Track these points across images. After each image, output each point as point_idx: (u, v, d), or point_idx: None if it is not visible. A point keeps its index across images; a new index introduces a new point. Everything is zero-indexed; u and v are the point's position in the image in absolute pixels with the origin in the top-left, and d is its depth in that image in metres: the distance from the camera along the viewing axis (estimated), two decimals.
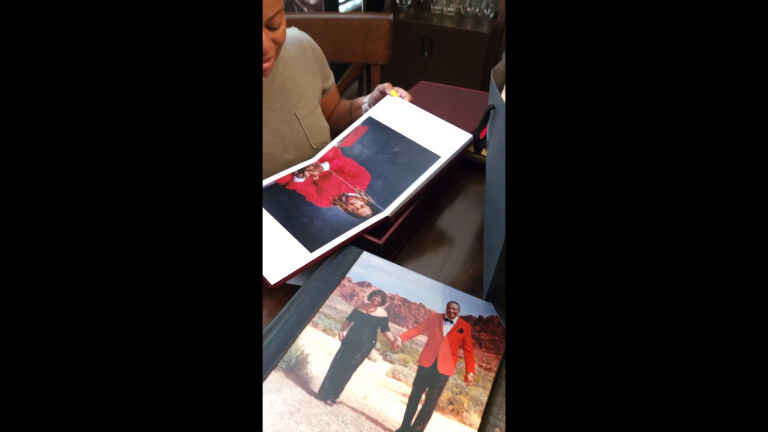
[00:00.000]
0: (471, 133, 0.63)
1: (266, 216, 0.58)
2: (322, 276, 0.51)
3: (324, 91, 0.84)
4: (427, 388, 0.41)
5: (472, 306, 0.49)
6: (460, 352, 0.44)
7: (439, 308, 0.49)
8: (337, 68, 1.04)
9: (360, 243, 0.56)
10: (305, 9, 1.46)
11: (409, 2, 1.85)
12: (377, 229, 0.56)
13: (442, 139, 0.63)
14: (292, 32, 0.78)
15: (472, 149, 0.77)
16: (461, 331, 0.46)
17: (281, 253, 0.53)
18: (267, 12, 0.57)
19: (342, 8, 1.81)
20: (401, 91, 0.73)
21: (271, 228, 0.56)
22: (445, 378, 0.42)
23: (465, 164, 0.78)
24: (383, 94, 0.74)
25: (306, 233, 0.55)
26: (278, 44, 0.63)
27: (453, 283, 0.57)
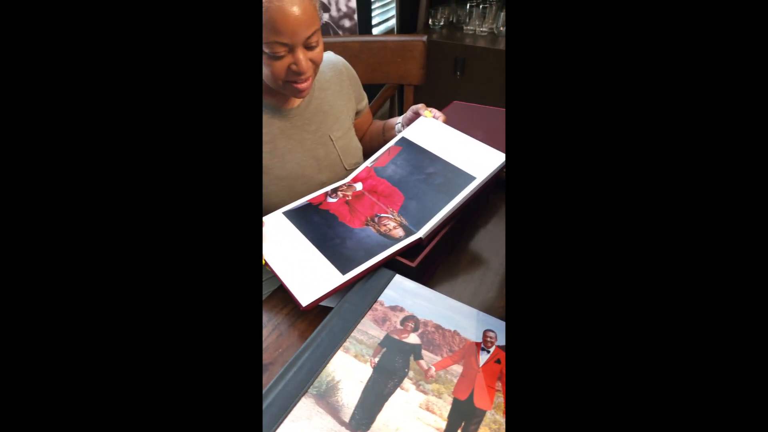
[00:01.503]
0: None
1: (299, 236, 0.58)
2: (354, 298, 0.50)
3: (357, 113, 0.85)
4: (463, 423, 0.39)
5: None
6: (498, 384, 0.42)
7: (475, 336, 0.47)
8: (372, 88, 1.05)
9: (392, 265, 0.55)
10: (341, 32, 1.50)
11: (442, 23, 1.87)
12: (410, 250, 0.55)
13: (478, 159, 0.62)
14: (328, 56, 0.79)
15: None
16: (499, 362, 0.44)
17: (313, 275, 0.52)
18: (304, 32, 0.58)
19: (375, 30, 1.85)
20: (435, 112, 0.73)
21: (304, 248, 0.56)
22: (482, 413, 0.40)
23: (500, 184, 0.76)
24: (417, 114, 0.74)
25: (339, 254, 0.54)
26: (316, 64, 0.64)
27: (489, 310, 0.54)
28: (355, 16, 1.47)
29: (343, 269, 0.52)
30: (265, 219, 0.61)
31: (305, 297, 0.50)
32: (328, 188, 0.67)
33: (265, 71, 0.62)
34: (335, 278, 0.51)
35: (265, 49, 0.59)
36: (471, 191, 0.58)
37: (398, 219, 0.59)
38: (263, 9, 0.55)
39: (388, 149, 0.69)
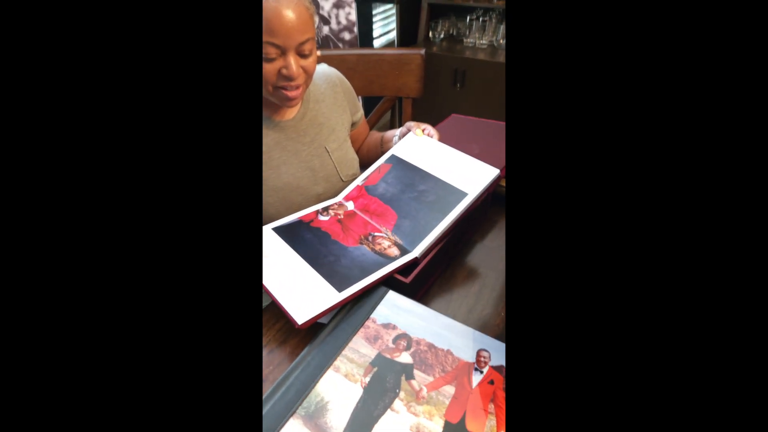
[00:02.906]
0: (499, 168, 0.61)
1: (291, 252, 0.57)
2: (347, 315, 0.50)
3: (353, 124, 0.85)
4: None
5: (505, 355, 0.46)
6: (491, 407, 0.41)
7: (469, 356, 0.46)
8: (370, 101, 1.05)
9: (386, 281, 0.54)
10: (341, 45, 1.51)
11: (442, 35, 1.89)
12: (403, 268, 0.54)
13: (469, 175, 0.62)
14: (322, 68, 0.80)
15: (504, 183, 0.75)
16: (492, 383, 0.43)
17: (309, 293, 0.51)
18: (298, 36, 0.58)
19: (376, 43, 1.86)
20: (430, 129, 0.73)
21: (298, 266, 0.55)
22: None
23: (496, 199, 0.76)
24: (410, 131, 0.74)
25: (334, 272, 0.53)
26: (308, 73, 0.64)
27: (485, 327, 0.54)
28: (356, 29, 1.48)
29: (339, 287, 0.51)
30: None
31: (301, 315, 0.49)
32: (319, 206, 0.66)
33: None
34: (331, 296, 0.50)
35: None
36: (464, 208, 0.58)
37: (392, 238, 0.58)
38: None
39: (378, 167, 0.69)
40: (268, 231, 0.61)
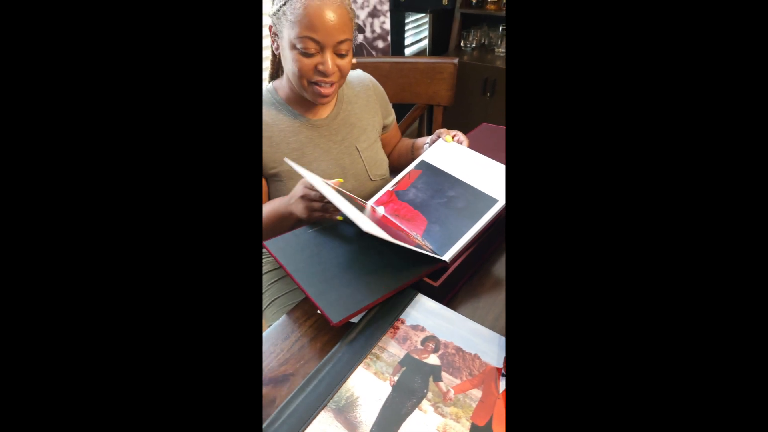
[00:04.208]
0: None
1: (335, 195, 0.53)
2: (376, 316, 0.51)
3: (385, 128, 0.87)
4: None
5: None
6: None
7: (496, 361, 0.46)
8: (401, 108, 1.07)
9: (415, 285, 0.55)
10: (374, 53, 1.54)
11: (473, 45, 1.89)
12: (432, 272, 0.55)
13: (499, 182, 0.62)
14: (357, 72, 0.84)
15: None
16: None
17: (352, 214, 0.48)
18: (337, 35, 0.62)
19: (408, 51, 1.89)
20: (460, 136, 0.74)
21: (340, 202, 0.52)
22: None
23: None
24: (440, 138, 0.75)
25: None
26: (342, 73, 0.67)
27: None
28: (389, 38, 1.51)
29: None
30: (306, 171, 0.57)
31: (366, 221, 0.45)
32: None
33: (293, 67, 0.65)
34: (376, 230, 0.48)
35: (297, 44, 0.62)
36: (494, 214, 0.58)
37: (423, 242, 0.60)
38: (302, 5, 0.59)
39: (409, 173, 0.70)
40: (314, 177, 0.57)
